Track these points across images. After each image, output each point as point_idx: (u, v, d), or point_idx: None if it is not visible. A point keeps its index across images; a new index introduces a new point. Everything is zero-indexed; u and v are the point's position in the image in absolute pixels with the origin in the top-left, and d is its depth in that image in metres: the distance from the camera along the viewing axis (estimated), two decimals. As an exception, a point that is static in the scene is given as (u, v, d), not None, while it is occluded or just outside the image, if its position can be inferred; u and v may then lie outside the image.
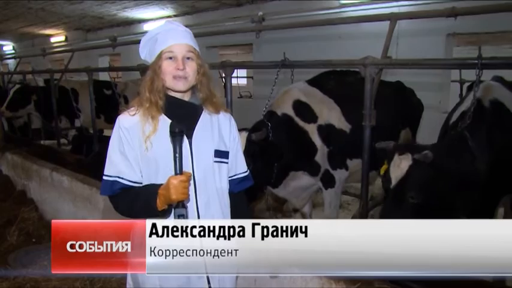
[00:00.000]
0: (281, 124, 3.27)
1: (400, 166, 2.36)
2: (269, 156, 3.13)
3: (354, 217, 4.96)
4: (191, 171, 1.62)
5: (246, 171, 1.90)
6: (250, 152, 2.82)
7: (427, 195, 2.34)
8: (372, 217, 5.18)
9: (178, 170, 1.50)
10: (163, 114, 1.65)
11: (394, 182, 2.38)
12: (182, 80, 1.63)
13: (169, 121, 1.64)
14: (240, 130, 2.87)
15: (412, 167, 2.32)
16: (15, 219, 4.58)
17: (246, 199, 1.98)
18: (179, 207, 1.51)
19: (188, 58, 1.64)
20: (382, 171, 2.54)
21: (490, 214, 2.81)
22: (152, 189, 1.56)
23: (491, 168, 2.57)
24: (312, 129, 3.37)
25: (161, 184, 1.54)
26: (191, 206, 1.64)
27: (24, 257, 3.82)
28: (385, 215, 2.46)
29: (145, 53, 1.74)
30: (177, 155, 1.50)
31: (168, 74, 1.62)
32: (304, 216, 4.10)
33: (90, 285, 3.23)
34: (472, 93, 2.57)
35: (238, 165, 1.87)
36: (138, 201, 1.59)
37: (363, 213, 2.95)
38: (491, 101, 2.72)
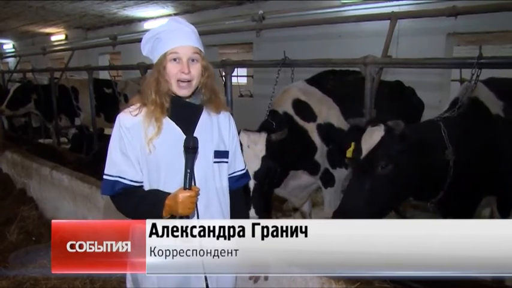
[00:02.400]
0: (283, 123, 3.26)
1: (372, 137, 2.40)
2: (287, 156, 3.11)
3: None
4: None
5: (243, 169, 1.92)
6: (270, 153, 2.80)
7: (396, 166, 2.37)
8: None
9: (188, 184, 1.50)
10: (166, 117, 1.64)
11: (365, 153, 2.40)
12: (186, 86, 1.61)
13: (172, 123, 1.64)
14: (255, 131, 2.85)
15: (385, 137, 2.38)
16: (15, 217, 4.58)
17: (244, 196, 2.00)
18: (183, 218, 1.52)
19: (193, 60, 1.62)
20: (349, 154, 2.56)
21: (469, 213, 2.82)
22: (159, 198, 1.55)
23: (464, 165, 2.58)
24: (311, 128, 3.36)
25: (168, 193, 1.54)
26: (192, 213, 1.64)
27: (24, 256, 3.82)
28: (352, 185, 2.49)
29: (147, 49, 1.71)
30: (189, 170, 1.50)
31: (173, 77, 1.60)
32: (303, 215, 4.10)
33: (90, 284, 3.23)
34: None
35: (237, 163, 1.88)
36: (142, 206, 1.59)
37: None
38: (471, 98, 2.72)
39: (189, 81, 1.61)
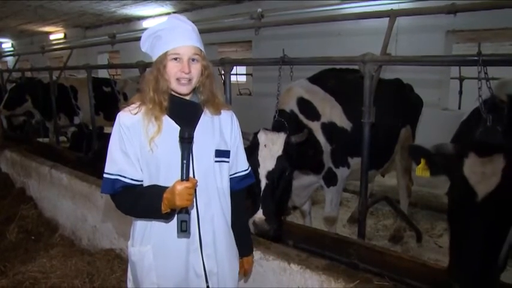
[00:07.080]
0: (291, 121, 3.22)
1: (488, 169, 1.84)
2: (300, 157, 2.95)
3: (353, 214, 4.97)
4: (192, 172, 1.61)
5: (247, 169, 1.90)
6: (286, 154, 2.73)
7: None
8: (372, 214, 5.20)
9: (185, 176, 1.49)
10: (166, 115, 1.64)
11: (483, 191, 1.84)
12: (186, 84, 1.61)
13: (172, 121, 1.64)
14: (274, 130, 2.78)
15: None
16: (15, 216, 4.59)
17: (245, 198, 1.99)
18: (182, 212, 1.51)
19: (193, 60, 1.62)
20: (419, 171, 2.16)
21: None
22: (157, 192, 1.54)
23: None
24: (316, 127, 3.34)
25: (166, 187, 1.53)
26: (191, 205, 1.64)
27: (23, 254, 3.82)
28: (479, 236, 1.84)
29: (147, 46, 1.71)
30: (185, 161, 1.49)
31: (172, 76, 1.60)
32: (303, 214, 4.10)
33: (89, 283, 3.22)
34: (490, 91, 2.31)
35: (239, 163, 1.87)
36: (141, 202, 1.58)
37: (362, 211, 2.94)
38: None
39: (189, 80, 1.61)
